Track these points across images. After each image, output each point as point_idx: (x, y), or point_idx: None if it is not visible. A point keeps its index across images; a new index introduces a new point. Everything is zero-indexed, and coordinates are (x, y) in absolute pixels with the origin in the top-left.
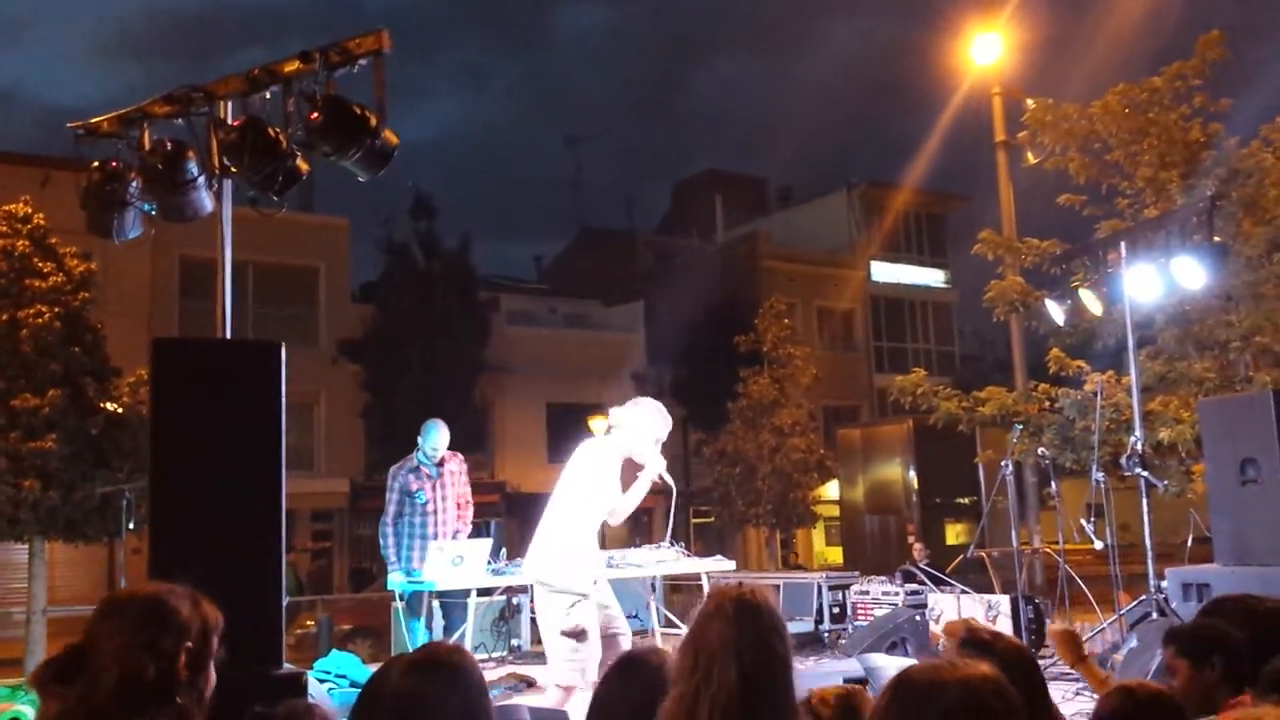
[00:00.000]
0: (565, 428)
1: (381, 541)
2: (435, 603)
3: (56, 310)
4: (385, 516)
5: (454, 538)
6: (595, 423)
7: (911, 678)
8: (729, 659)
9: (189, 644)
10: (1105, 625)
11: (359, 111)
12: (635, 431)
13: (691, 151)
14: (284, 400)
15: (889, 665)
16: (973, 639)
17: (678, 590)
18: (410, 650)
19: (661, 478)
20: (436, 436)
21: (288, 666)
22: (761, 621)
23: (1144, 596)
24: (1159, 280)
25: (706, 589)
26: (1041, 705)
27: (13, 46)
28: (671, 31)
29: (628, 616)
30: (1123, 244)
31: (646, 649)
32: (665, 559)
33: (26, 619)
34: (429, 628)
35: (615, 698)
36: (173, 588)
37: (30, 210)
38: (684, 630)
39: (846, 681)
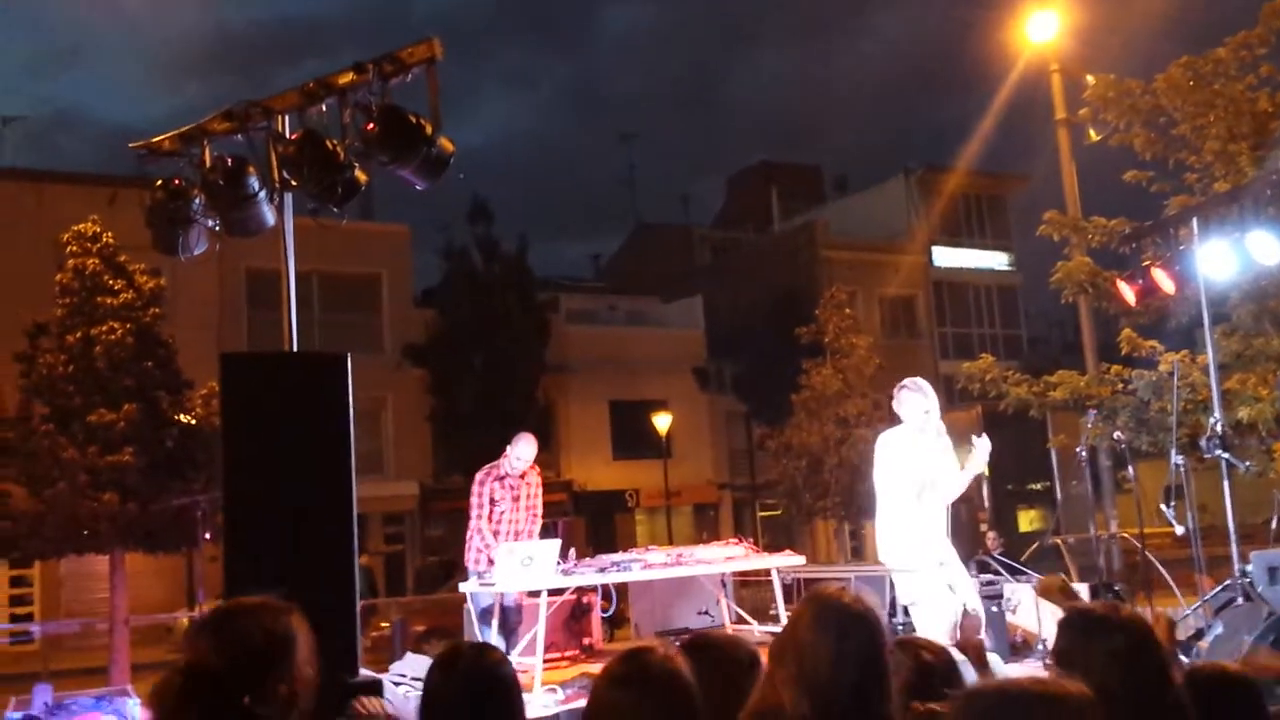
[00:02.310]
0: (629, 425)
1: (483, 542)
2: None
3: (128, 326)
4: (480, 520)
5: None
6: (658, 419)
7: (981, 695)
8: (832, 672)
9: (298, 656)
10: (1189, 612)
11: (414, 120)
12: (907, 413)
13: (745, 143)
14: (351, 409)
15: (964, 659)
16: (1083, 618)
17: (746, 585)
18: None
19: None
20: (525, 448)
21: (365, 672)
22: (864, 634)
23: (1229, 581)
24: (1233, 256)
25: (776, 583)
26: (1166, 682)
27: (75, 69)
28: (717, 23)
29: (698, 614)
30: (1194, 220)
31: (720, 633)
32: (734, 555)
33: (110, 628)
34: (501, 631)
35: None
36: (277, 603)
37: (99, 229)
38: (755, 626)
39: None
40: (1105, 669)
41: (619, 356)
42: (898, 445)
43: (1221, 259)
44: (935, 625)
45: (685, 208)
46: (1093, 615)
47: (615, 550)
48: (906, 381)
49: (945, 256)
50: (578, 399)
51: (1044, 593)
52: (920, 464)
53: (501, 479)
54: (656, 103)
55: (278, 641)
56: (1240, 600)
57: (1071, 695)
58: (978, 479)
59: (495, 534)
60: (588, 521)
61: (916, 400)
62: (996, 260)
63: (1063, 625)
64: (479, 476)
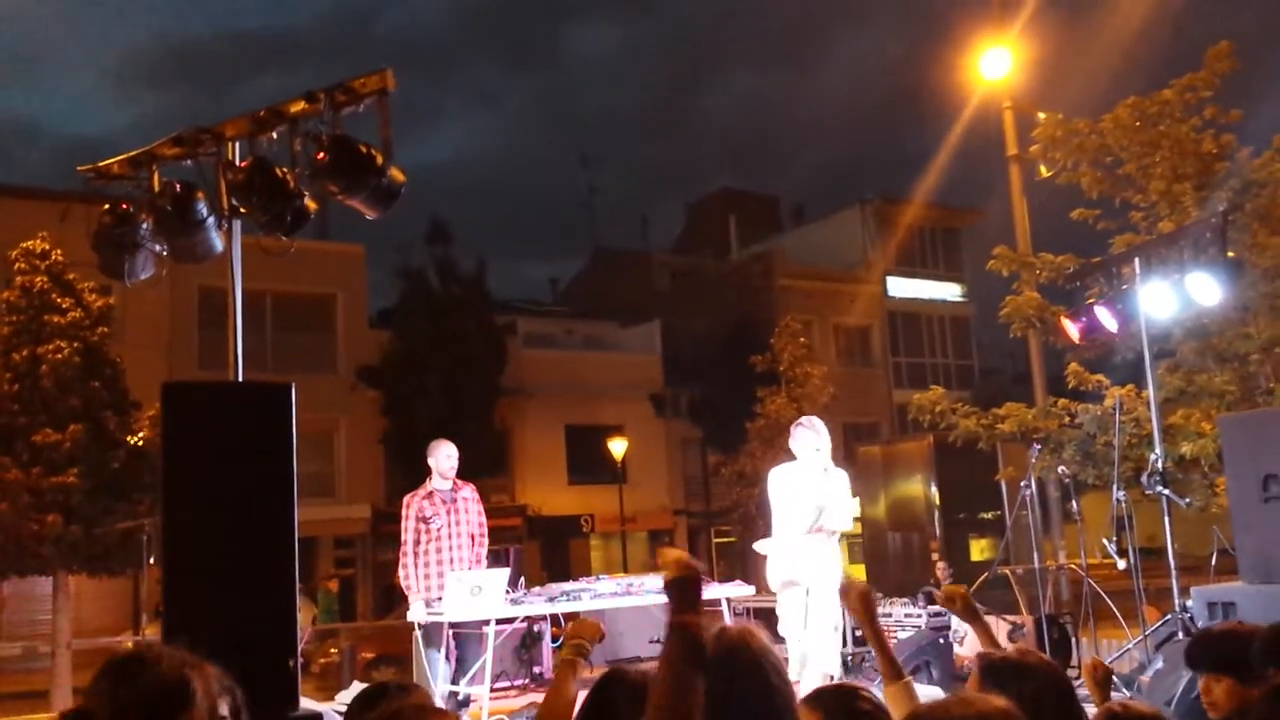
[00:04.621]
0: (585, 449)
1: (401, 572)
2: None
3: (76, 345)
4: (404, 546)
5: (467, 569)
6: (614, 444)
7: (916, 716)
8: (685, 705)
9: (194, 712)
10: (1131, 645)
11: (365, 150)
12: (798, 448)
13: (705, 169)
14: (294, 440)
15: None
16: (1003, 663)
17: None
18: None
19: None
20: (444, 454)
21: (306, 704)
22: (738, 669)
23: (1169, 615)
24: (1174, 296)
25: (726, 614)
26: None
27: (29, 81)
28: (682, 49)
29: (650, 642)
30: (1136, 260)
31: (632, 669)
32: None
33: (52, 652)
34: (448, 659)
35: (592, 713)
36: (181, 656)
37: (48, 246)
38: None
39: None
40: (1027, 712)
41: (576, 381)
42: (789, 477)
43: (1163, 298)
44: (790, 654)
45: (644, 232)
46: (1011, 661)
47: (569, 575)
48: (802, 420)
49: (900, 287)
50: (534, 423)
51: (945, 603)
52: (810, 494)
53: (430, 495)
54: (619, 124)
55: (170, 695)
56: (1181, 635)
57: (999, 710)
58: (930, 509)
59: (438, 551)
60: (542, 546)
61: (808, 438)
62: (950, 291)
63: (985, 671)
64: (405, 500)
